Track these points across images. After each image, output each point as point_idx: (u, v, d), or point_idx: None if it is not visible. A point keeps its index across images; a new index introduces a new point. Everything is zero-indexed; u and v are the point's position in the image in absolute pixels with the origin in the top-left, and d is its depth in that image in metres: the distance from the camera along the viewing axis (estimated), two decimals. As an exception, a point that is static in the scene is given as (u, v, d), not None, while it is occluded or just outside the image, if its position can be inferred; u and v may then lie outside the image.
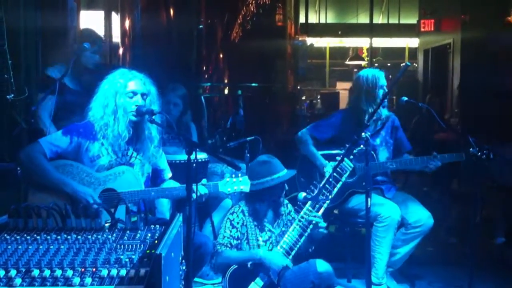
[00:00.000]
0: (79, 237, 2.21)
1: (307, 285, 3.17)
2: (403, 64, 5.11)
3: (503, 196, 4.88)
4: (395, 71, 11.49)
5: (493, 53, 7.65)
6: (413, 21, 11.98)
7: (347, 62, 14.31)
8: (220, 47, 5.86)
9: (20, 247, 2.10)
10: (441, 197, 5.63)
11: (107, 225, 2.35)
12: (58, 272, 1.91)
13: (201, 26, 5.71)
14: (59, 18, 4.59)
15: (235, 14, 5.84)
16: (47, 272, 1.91)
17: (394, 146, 4.06)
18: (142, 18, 5.67)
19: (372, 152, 3.78)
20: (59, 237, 2.20)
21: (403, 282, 4.03)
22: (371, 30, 10.84)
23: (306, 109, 10.85)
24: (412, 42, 13.14)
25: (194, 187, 2.61)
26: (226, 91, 5.93)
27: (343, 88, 13.06)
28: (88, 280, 1.86)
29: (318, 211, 3.29)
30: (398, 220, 3.74)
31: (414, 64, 11.80)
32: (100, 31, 6.00)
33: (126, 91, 3.04)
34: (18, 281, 1.86)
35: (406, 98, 3.96)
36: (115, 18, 6.25)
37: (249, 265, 3.21)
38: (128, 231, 2.30)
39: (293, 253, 3.27)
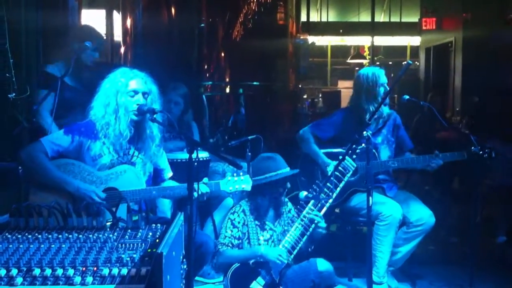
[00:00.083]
0: (80, 236, 2.21)
1: (308, 284, 3.18)
2: (405, 62, 5.11)
3: (504, 195, 4.87)
4: (397, 70, 11.48)
5: (495, 51, 7.63)
6: (415, 19, 11.97)
7: (349, 61, 14.27)
8: (222, 46, 5.85)
9: (21, 246, 2.10)
10: (442, 196, 5.61)
11: (108, 224, 2.36)
12: (59, 271, 1.91)
13: (202, 25, 5.70)
14: (60, 17, 4.59)
15: (236, 13, 5.83)
16: (48, 271, 1.91)
17: (396, 145, 4.04)
18: (143, 17, 5.67)
19: (374, 151, 3.77)
20: (60, 236, 2.20)
21: (404, 281, 4.03)
22: (372, 28, 10.80)
23: (307, 107, 10.83)
24: (414, 41, 13.10)
25: (195, 186, 2.62)
26: (227, 90, 5.92)
27: (344, 86, 13.04)
28: (89, 279, 1.87)
29: (320, 210, 3.28)
30: (399, 219, 3.73)
31: (416, 62, 11.77)
32: (102, 30, 6.00)
33: (127, 90, 3.04)
34: (19, 280, 1.87)
35: (407, 97, 3.96)
36: (117, 16, 6.25)
37: (251, 263, 3.21)
38: (129, 230, 2.30)
39: (295, 252, 3.26)
